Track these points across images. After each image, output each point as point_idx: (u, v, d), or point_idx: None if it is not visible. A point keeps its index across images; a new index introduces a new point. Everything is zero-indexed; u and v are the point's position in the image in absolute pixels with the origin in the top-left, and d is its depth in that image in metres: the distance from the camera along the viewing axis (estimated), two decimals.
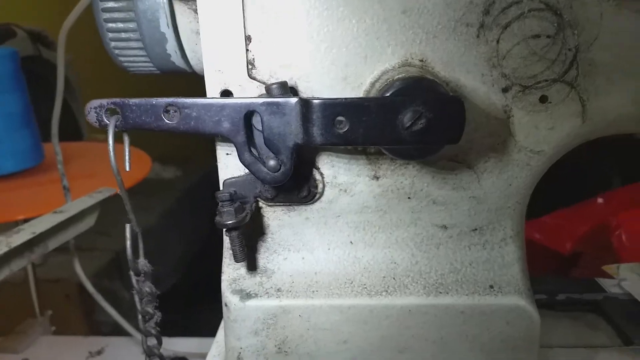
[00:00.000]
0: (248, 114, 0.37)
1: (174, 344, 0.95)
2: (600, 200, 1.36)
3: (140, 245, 0.39)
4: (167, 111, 0.37)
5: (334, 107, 0.36)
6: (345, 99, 0.36)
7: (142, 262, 0.39)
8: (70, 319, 1.37)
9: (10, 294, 1.20)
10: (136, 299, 0.39)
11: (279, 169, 0.37)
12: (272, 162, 0.37)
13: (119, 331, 1.00)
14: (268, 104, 0.36)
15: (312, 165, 0.42)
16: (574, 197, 1.37)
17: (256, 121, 0.38)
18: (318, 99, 0.36)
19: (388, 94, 0.35)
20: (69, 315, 1.36)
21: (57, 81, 0.76)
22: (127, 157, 0.37)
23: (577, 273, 1.23)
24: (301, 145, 0.37)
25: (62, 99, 0.78)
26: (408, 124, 0.34)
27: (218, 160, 0.42)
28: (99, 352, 1.01)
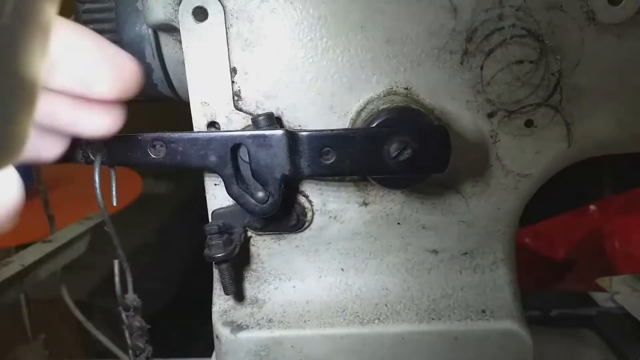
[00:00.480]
0: (234, 147, 0.37)
1: None
2: (593, 207, 1.37)
3: (129, 280, 0.38)
4: (153, 146, 0.36)
5: (321, 139, 0.36)
6: (332, 130, 0.36)
7: (131, 297, 0.38)
8: (64, 339, 1.35)
9: (2, 316, 1.18)
10: (127, 334, 0.39)
11: (267, 201, 0.37)
12: (260, 194, 0.37)
13: (113, 352, 0.99)
14: (255, 136, 0.36)
15: (300, 193, 0.42)
16: (567, 204, 1.38)
17: (243, 153, 0.38)
18: (304, 131, 0.36)
19: (374, 125, 0.35)
20: (63, 335, 1.35)
21: None
22: (114, 193, 0.37)
23: (570, 279, 1.24)
24: (289, 176, 0.37)
25: None
26: (394, 154, 0.34)
27: (206, 191, 0.42)
28: None
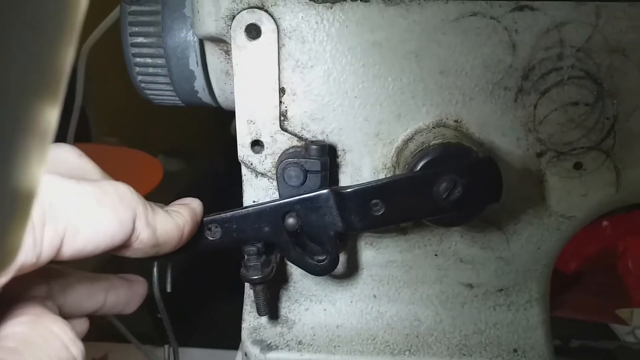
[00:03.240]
0: (285, 214, 0.36)
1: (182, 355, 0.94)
2: (605, 223, 1.36)
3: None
4: (209, 229, 0.37)
5: (367, 193, 0.35)
6: (376, 182, 0.35)
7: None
8: None
9: None
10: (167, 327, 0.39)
11: (326, 259, 0.37)
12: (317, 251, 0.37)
13: (119, 334, 1.00)
14: (302, 201, 0.36)
15: None
16: None
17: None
18: (350, 187, 0.36)
19: (419, 166, 0.35)
20: None
21: (76, 96, 0.75)
22: (169, 280, 0.38)
23: (579, 292, 1.23)
24: (343, 232, 0.36)
25: (79, 111, 0.78)
26: (445, 194, 0.34)
27: (244, 183, 0.42)
28: (102, 359, 1.00)
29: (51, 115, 0.14)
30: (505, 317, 0.42)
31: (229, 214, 0.37)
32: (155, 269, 0.38)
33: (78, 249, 0.27)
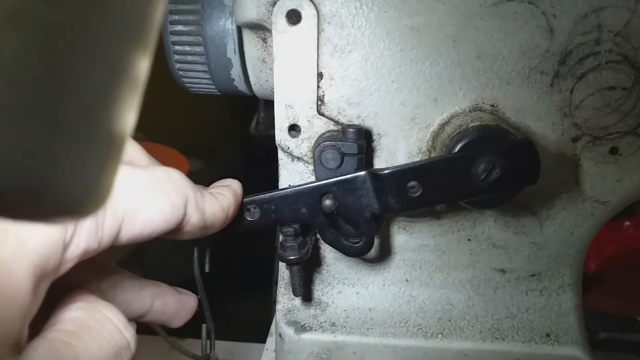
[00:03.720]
0: (322, 195, 0.37)
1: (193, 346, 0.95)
2: (627, 223, 1.34)
3: (213, 339, 0.40)
4: (248, 210, 0.38)
5: (404, 175, 0.36)
6: (414, 163, 0.36)
7: (214, 357, 0.40)
8: None
9: None
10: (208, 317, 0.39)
11: (362, 241, 0.38)
12: (352, 233, 0.38)
13: (144, 326, 1.01)
14: (339, 183, 0.37)
15: None
16: None
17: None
18: (387, 169, 0.36)
19: (457, 148, 0.35)
20: None
21: None
22: (207, 260, 0.39)
23: (599, 293, 1.22)
24: (379, 214, 0.37)
25: None
26: (483, 176, 0.34)
27: (280, 167, 0.42)
28: None
29: (143, 65, 0.14)
30: (538, 302, 0.42)
31: (267, 195, 0.38)
32: (195, 250, 0.39)
33: (135, 233, 0.28)
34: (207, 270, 0.39)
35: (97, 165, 0.14)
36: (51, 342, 0.24)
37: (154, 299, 0.35)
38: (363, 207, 0.37)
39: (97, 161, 0.14)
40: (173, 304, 0.35)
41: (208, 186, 0.36)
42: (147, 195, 0.28)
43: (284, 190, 0.38)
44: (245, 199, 0.38)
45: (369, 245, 0.38)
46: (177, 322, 0.36)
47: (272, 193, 0.38)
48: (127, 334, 0.28)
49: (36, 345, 0.23)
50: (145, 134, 1.39)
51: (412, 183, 0.35)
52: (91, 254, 0.26)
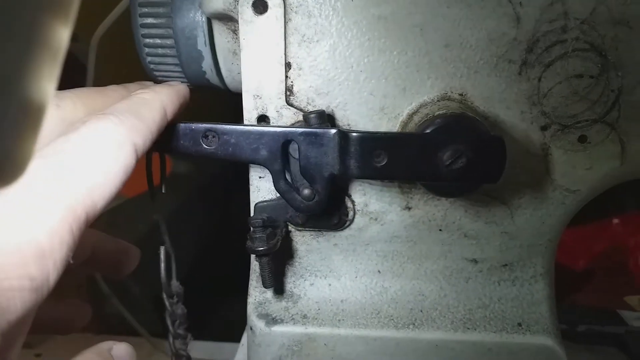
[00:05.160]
0: (285, 143, 0.37)
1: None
2: (616, 221, 1.35)
3: (173, 267, 0.39)
4: (205, 136, 0.37)
5: (373, 141, 0.35)
6: (385, 133, 0.35)
7: (175, 285, 0.39)
8: None
9: None
10: (168, 321, 0.39)
11: (314, 198, 0.37)
12: (306, 191, 0.37)
13: (128, 327, 1.00)
14: (306, 134, 0.36)
15: (344, 192, 0.41)
16: (586, 216, 1.36)
17: (293, 149, 0.38)
18: (357, 131, 0.36)
19: (428, 131, 0.35)
20: None
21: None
22: (163, 181, 0.38)
23: (588, 290, 1.22)
24: (337, 176, 0.36)
25: None
26: (448, 162, 0.34)
27: (250, 183, 0.42)
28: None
29: (63, 34, 0.14)
30: (510, 292, 0.42)
31: (229, 126, 0.36)
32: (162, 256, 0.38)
33: (97, 215, 0.27)
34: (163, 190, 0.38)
35: (12, 133, 0.14)
36: None
37: (94, 247, 0.34)
38: (324, 164, 0.36)
39: (12, 130, 0.14)
40: (114, 254, 0.35)
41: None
42: (98, 179, 0.26)
43: (248, 126, 0.37)
44: (204, 125, 0.37)
45: (320, 205, 0.37)
46: (121, 272, 0.35)
47: (236, 125, 0.37)
48: None
49: None
50: None
51: (379, 151, 0.35)
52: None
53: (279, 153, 0.36)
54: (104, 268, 0.35)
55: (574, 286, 1.25)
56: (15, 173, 0.14)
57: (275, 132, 0.36)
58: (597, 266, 1.30)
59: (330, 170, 0.36)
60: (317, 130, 0.36)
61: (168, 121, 0.34)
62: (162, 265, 0.38)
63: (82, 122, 0.28)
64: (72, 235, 0.24)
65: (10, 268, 0.21)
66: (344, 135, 0.35)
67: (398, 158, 0.35)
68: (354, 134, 0.35)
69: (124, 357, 0.30)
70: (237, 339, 0.56)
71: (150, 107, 0.32)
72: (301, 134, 0.36)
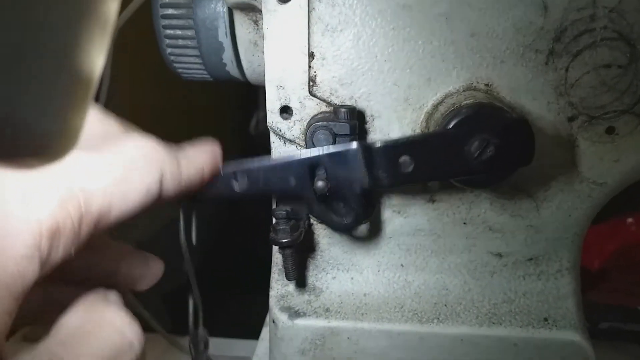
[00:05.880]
0: (311, 167, 0.36)
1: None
2: (630, 220, 1.33)
3: (200, 315, 0.39)
4: (235, 179, 0.37)
5: (396, 148, 0.35)
6: (407, 138, 0.35)
7: (202, 333, 0.39)
8: None
9: None
10: None
11: (350, 216, 0.37)
12: (342, 210, 0.37)
13: (143, 324, 1.00)
14: (330, 155, 0.35)
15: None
16: (599, 215, 1.35)
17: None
18: (379, 142, 0.35)
19: (451, 124, 0.34)
20: None
21: (102, 81, 0.76)
22: (194, 231, 0.38)
23: (604, 289, 1.21)
24: (369, 189, 0.36)
25: (104, 101, 0.79)
26: (476, 154, 0.33)
27: (272, 151, 0.42)
28: None
29: (112, 5, 0.14)
30: (535, 287, 0.41)
31: (256, 165, 0.36)
32: (181, 220, 0.38)
33: (111, 222, 0.28)
34: (194, 242, 0.38)
35: (63, 104, 0.13)
36: (38, 355, 0.23)
37: (119, 261, 0.34)
38: (353, 181, 0.36)
39: (63, 100, 0.13)
40: (139, 267, 0.35)
41: None
42: (120, 185, 0.27)
43: (273, 160, 0.37)
44: (233, 168, 0.37)
45: (357, 221, 0.37)
46: (144, 285, 0.35)
47: (261, 162, 0.37)
48: (131, 334, 0.27)
49: (21, 358, 0.23)
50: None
51: (404, 158, 0.35)
52: (67, 257, 0.26)
53: (308, 178, 0.36)
54: (128, 282, 0.35)
55: (589, 286, 1.24)
56: (67, 146, 0.14)
57: (301, 159, 0.36)
58: (611, 265, 1.29)
59: (361, 185, 0.36)
60: (340, 149, 0.35)
61: (203, 182, 0.34)
62: (191, 315, 0.38)
63: (126, 134, 0.30)
64: (82, 225, 0.25)
65: (26, 237, 0.22)
66: (366, 148, 0.35)
67: (425, 161, 0.34)
68: (376, 145, 0.35)
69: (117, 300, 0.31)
70: (255, 336, 0.56)
71: (192, 164, 0.33)
72: (325, 156, 0.36)
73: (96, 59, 0.14)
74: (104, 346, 0.25)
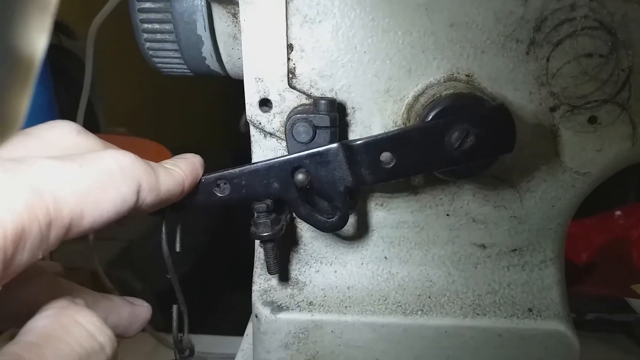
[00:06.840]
0: (294, 170, 0.36)
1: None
2: (618, 213, 1.34)
3: (186, 322, 0.39)
4: (217, 185, 0.37)
5: (377, 145, 0.35)
6: (386, 133, 0.35)
7: (187, 340, 0.38)
8: None
9: None
10: None
11: (336, 215, 0.37)
12: (327, 210, 0.37)
13: None
14: (311, 156, 0.35)
15: None
16: (589, 208, 1.36)
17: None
18: (359, 140, 0.35)
19: (430, 116, 0.34)
20: None
21: (85, 78, 0.75)
22: (178, 239, 0.38)
23: (591, 283, 1.22)
24: (352, 187, 0.36)
25: (87, 96, 0.78)
26: (457, 144, 0.33)
27: (252, 144, 0.41)
28: None
29: None
30: (520, 277, 0.41)
31: (237, 170, 0.37)
32: (163, 228, 0.38)
33: (83, 231, 0.27)
34: (177, 249, 0.38)
35: (1, 87, 0.13)
36: (2, 358, 0.23)
37: (107, 314, 0.33)
38: (336, 180, 0.36)
39: (2, 83, 0.13)
40: (126, 318, 0.35)
41: None
42: (95, 194, 0.27)
43: (254, 165, 0.37)
44: (214, 175, 0.37)
45: (343, 220, 0.37)
46: (131, 333, 0.35)
47: (242, 168, 0.37)
48: (102, 337, 0.27)
49: None
50: (131, 132, 1.37)
51: (386, 154, 0.34)
52: (34, 261, 0.25)
53: (291, 181, 0.36)
54: (116, 333, 0.34)
55: (577, 279, 1.25)
56: (7, 130, 0.13)
57: (281, 162, 0.36)
58: (600, 259, 1.29)
59: (344, 184, 0.36)
60: (320, 150, 0.35)
61: (184, 194, 0.34)
62: (175, 321, 0.37)
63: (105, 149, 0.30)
64: (52, 230, 0.25)
65: None
66: (347, 146, 0.35)
67: (406, 155, 0.34)
68: (357, 143, 0.35)
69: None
70: (240, 333, 0.56)
71: (172, 177, 0.33)
72: (306, 157, 0.36)
73: (37, 40, 0.13)
74: (72, 349, 0.25)
